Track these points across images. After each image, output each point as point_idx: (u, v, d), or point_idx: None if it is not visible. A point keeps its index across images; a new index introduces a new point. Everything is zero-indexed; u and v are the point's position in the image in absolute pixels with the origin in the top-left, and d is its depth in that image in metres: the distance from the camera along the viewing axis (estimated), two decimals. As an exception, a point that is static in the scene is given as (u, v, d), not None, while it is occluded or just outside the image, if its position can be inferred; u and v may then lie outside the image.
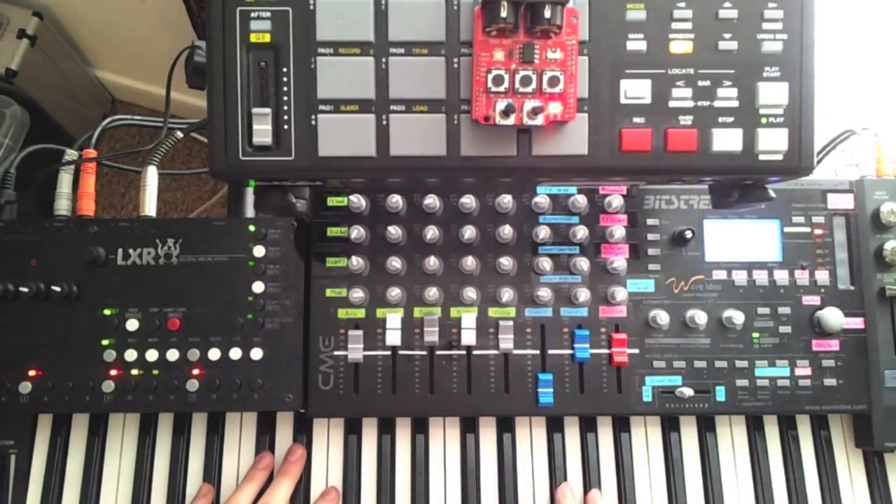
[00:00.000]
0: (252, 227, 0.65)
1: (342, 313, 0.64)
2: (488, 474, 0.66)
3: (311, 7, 0.47)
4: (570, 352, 0.65)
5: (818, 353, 0.66)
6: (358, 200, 0.64)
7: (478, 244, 0.65)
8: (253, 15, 0.46)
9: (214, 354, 0.63)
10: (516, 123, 0.46)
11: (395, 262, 0.64)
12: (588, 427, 0.68)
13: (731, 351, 0.65)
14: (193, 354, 0.63)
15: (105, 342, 0.64)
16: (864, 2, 0.87)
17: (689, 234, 0.65)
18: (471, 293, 0.64)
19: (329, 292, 0.65)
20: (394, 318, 0.64)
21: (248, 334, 0.64)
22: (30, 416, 0.67)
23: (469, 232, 0.64)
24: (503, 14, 0.44)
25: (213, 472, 0.66)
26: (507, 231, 0.64)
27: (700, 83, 0.48)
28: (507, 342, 0.64)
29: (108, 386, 0.63)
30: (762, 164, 0.48)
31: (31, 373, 0.63)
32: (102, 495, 0.66)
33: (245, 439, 0.67)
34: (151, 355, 0.63)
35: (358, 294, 0.64)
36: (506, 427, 0.67)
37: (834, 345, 0.66)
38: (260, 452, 0.66)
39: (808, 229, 0.67)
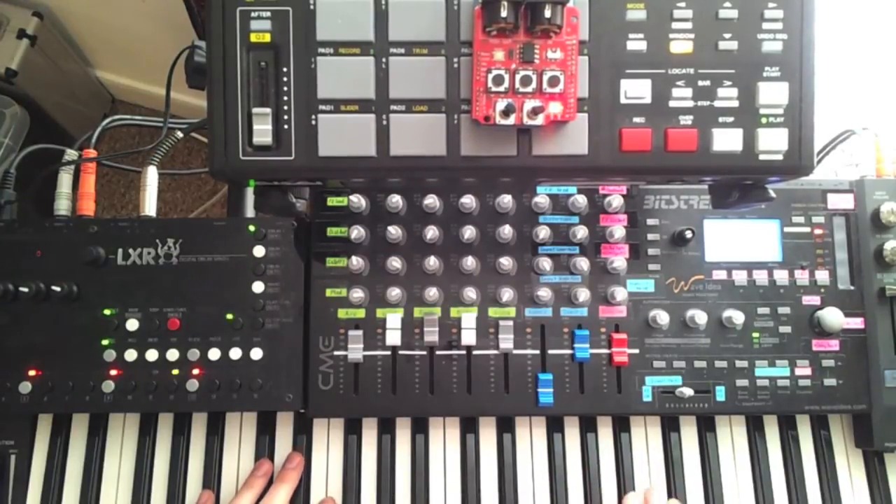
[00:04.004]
0: (252, 227, 0.65)
1: (342, 313, 0.64)
2: (488, 474, 0.66)
3: (311, 7, 0.47)
4: (570, 352, 0.64)
5: (818, 353, 0.65)
6: (358, 200, 0.64)
7: (478, 244, 0.65)
8: (253, 15, 0.46)
9: (214, 354, 0.63)
10: (516, 123, 0.46)
11: (395, 262, 0.64)
12: (588, 427, 0.68)
13: (731, 351, 0.65)
14: (193, 354, 0.63)
15: (105, 342, 0.64)
16: (864, 2, 0.87)
17: (689, 234, 0.65)
18: (471, 293, 0.64)
19: (329, 292, 0.65)
20: (394, 318, 0.64)
21: (248, 334, 0.64)
22: (30, 416, 0.67)
23: (469, 232, 0.64)
24: (503, 14, 0.44)
25: (212, 472, 0.66)
26: (507, 231, 0.64)
27: (700, 83, 0.47)
28: (507, 342, 0.64)
29: (108, 386, 0.63)
30: (762, 164, 0.48)
31: (31, 373, 0.63)
32: (102, 495, 0.66)
33: (245, 439, 0.67)
34: (151, 355, 0.63)
35: (358, 294, 0.64)
36: (506, 427, 0.67)
37: (834, 345, 0.66)
38: (260, 452, 0.66)
39: (808, 229, 0.67)
